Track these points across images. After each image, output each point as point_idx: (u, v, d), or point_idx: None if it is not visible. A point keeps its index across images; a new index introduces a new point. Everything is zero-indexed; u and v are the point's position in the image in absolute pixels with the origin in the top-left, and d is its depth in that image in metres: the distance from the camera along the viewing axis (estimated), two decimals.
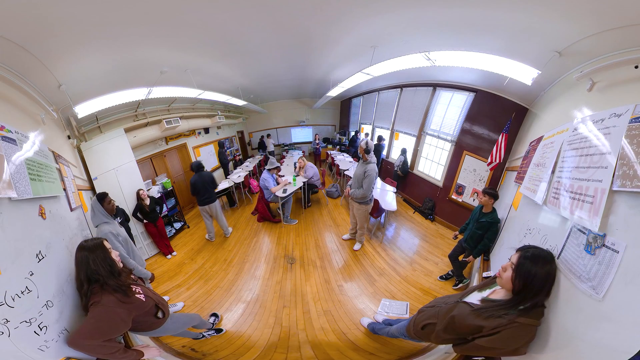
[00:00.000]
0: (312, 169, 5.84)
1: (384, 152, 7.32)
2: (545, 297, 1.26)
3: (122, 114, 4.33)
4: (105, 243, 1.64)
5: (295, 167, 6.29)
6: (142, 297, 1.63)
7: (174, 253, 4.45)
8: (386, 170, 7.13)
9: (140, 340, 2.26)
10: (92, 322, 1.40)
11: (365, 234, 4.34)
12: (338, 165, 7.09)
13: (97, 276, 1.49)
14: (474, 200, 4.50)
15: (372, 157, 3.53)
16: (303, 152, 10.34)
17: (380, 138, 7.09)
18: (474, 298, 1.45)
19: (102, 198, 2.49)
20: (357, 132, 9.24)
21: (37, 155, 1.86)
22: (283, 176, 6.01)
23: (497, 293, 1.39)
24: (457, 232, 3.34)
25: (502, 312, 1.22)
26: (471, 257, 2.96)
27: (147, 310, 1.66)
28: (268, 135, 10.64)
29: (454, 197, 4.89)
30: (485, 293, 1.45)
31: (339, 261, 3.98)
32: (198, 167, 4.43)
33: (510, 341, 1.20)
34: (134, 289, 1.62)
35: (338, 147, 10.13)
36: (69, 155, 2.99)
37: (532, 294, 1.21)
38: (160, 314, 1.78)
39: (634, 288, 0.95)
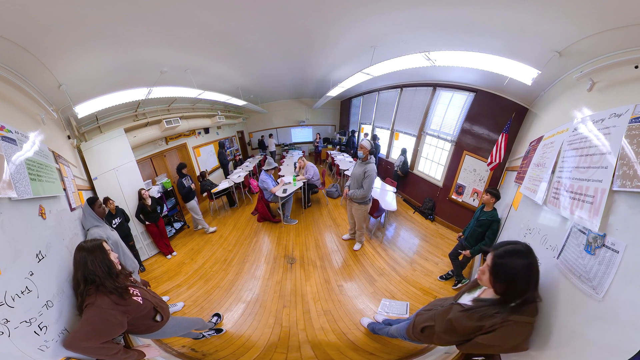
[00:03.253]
0: (312, 169, 5.84)
1: (384, 152, 7.32)
2: (533, 292, 1.20)
3: (122, 114, 4.33)
4: (105, 245, 1.63)
5: (295, 167, 6.29)
6: (139, 299, 1.62)
7: (174, 253, 4.45)
8: (386, 170, 7.13)
9: (141, 340, 2.26)
10: (88, 323, 1.39)
11: (365, 234, 4.34)
12: (338, 165, 7.10)
13: (94, 277, 1.48)
14: (474, 200, 4.50)
15: (371, 157, 3.55)
16: (303, 152, 10.34)
17: (374, 137, 7.05)
18: (467, 299, 1.44)
19: (93, 202, 2.55)
20: (353, 132, 9.25)
21: (37, 155, 1.86)
22: (283, 176, 6.01)
23: (488, 292, 1.36)
24: (461, 234, 3.30)
25: (493, 310, 1.21)
26: (467, 252, 2.94)
27: (144, 313, 1.65)
28: (270, 135, 10.63)
29: (454, 197, 4.89)
30: (476, 293, 1.45)
31: (338, 261, 3.98)
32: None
33: (508, 339, 1.19)
34: (131, 291, 1.61)
35: (338, 147, 10.14)
36: (69, 155, 2.99)
37: (518, 291, 1.17)
38: (158, 317, 1.75)
39: (634, 288, 0.95)
